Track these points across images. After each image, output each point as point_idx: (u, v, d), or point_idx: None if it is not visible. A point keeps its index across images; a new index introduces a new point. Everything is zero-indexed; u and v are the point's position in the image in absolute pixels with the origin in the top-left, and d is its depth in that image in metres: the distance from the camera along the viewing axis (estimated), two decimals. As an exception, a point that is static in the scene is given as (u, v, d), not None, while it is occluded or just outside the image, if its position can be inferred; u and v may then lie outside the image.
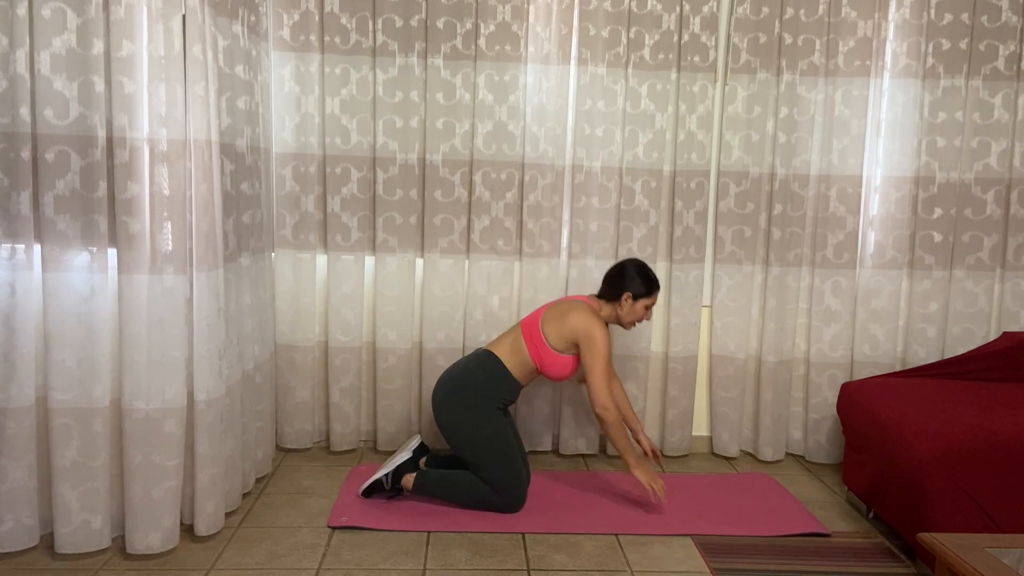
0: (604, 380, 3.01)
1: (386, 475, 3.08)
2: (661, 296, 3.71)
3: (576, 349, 3.09)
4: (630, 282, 3.11)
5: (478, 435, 3.03)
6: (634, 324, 3.19)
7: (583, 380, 3.18)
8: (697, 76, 3.57)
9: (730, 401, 3.73)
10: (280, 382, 3.60)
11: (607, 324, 3.13)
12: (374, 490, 3.10)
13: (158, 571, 2.56)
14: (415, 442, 3.24)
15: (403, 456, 3.13)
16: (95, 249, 2.52)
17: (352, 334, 3.61)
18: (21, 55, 2.40)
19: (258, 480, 3.30)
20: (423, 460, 3.25)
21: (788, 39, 3.54)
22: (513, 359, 3.12)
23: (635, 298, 3.11)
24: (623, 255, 3.61)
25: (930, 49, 3.54)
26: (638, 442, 3.35)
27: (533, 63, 3.52)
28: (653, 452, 3.30)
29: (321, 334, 3.67)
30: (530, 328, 3.13)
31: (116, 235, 2.52)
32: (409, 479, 3.09)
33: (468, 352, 3.63)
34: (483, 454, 3.03)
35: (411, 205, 3.56)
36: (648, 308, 3.15)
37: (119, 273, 2.53)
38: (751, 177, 3.63)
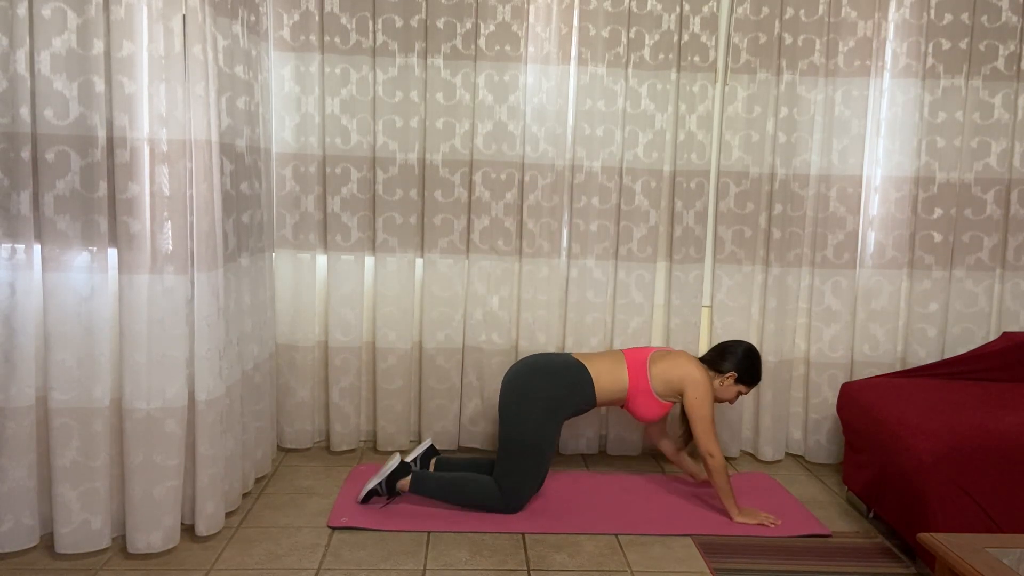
0: (711, 427, 3.04)
1: (380, 483, 3.05)
2: (661, 296, 3.71)
3: (675, 397, 3.13)
4: (743, 365, 3.16)
5: (531, 436, 3.01)
6: (716, 401, 3.22)
7: (656, 437, 3.39)
8: (697, 76, 3.57)
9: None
10: (280, 382, 3.60)
11: None
12: (371, 497, 3.09)
13: (158, 571, 2.56)
14: (425, 444, 3.23)
15: (391, 465, 3.07)
16: (95, 249, 2.52)
17: (352, 334, 3.61)
18: (21, 55, 2.40)
19: (258, 480, 3.30)
20: (433, 461, 3.25)
21: (788, 39, 3.54)
22: (607, 382, 3.12)
23: (737, 381, 3.16)
24: (623, 255, 3.61)
25: (930, 49, 3.54)
26: (684, 468, 3.40)
27: (533, 63, 3.52)
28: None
29: (321, 334, 3.67)
30: (636, 363, 3.14)
31: (116, 235, 2.52)
32: (405, 483, 3.06)
33: (468, 352, 3.64)
34: (521, 454, 3.01)
35: (411, 205, 3.56)
36: (739, 395, 3.21)
37: (119, 273, 2.53)
38: (751, 177, 3.63)
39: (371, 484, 3.05)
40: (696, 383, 3.06)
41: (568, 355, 3.19)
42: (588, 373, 3.11)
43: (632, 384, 3.12)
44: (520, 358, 3.62)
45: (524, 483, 3.03)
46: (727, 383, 3.16)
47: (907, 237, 3.64)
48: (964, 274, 3.65)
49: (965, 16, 3.51)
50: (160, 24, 2.48)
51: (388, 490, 3.06)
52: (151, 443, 2.57)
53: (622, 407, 3.23)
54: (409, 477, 3.06)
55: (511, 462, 3.02)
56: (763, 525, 2.99)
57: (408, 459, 3.17)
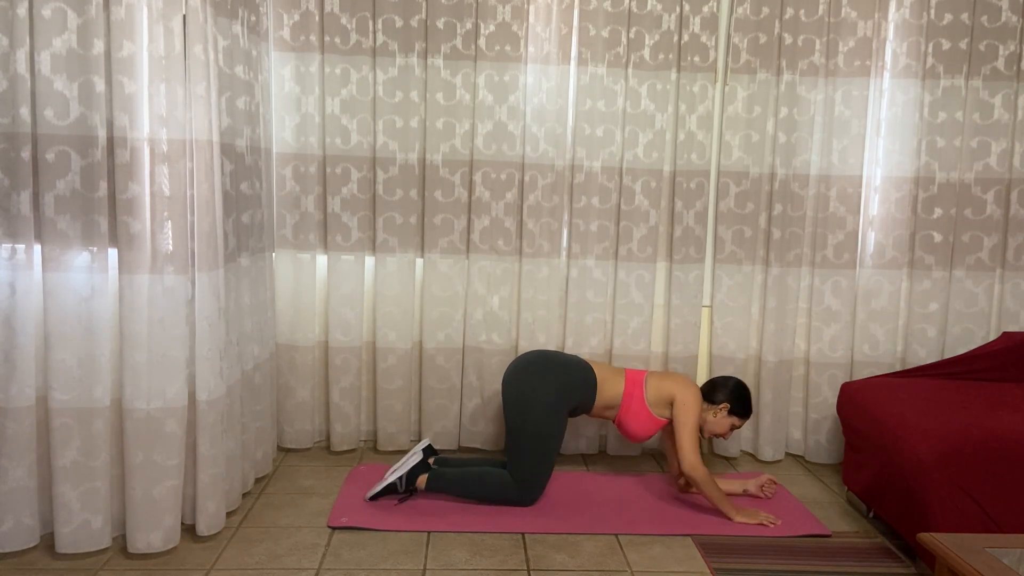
0: (694, 442, 3.06)
1: (400, 478, 3.08)
2: (661, 296, 3.71)
3: (666, 410, 3.17)
4: (734, 397, 3.18)
5: (541, 426, 3.05)
6: (711, 435, 3.23)
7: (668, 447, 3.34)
8: (697, 76, 3.57)
9: (730, 401, 3.73)
10: (280, 382, 3.60)
11: None
12: (385, 494, 3.10)
13: (158, 571, 2.56)
14: (423, 444, 3.25)
15: (414, 459, 3.13)
16: (95, 249, 2.52)
17: (352, 334, 3.61)
18: (21, 55, 2.40)
19: (258, 480, 3.30)
20: (431, 460, 3.26)
21: (788, 39, 3.54)
22: (606, 388, 3.18)
23: (730, 412, 3.18)
24: (623, 255, 3.61)
25: (930, 49, 3.54)
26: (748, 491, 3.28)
27: (533, 63, 3.52)
28: (766, 486, 3.28)
29: (321, 334, 3.67)
30: (633, 378, 3.21)
31: (117, 235, 2.52)
32: (423, 479, 3.10)
33: (468, 352, 3.64)
34: (533, 445, 3.05)
35: (411, 205, 3.56)
36: (732, 429, 3.21)
37: (120, 273, 2.53)
38: (751, 177, 3.63)
39: (391, 478, 3.08)
40: (686, 392, 3.12)
41: (576, 355, 3.27)
42: (593, 374, 3.17)
43: (627, 392, 3.18)
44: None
45: (538, 472, 3.07)
46: (720, 414, 3.18)
47: (907, 237, 3.63)
48: (964, 274, 3.65)
49: (965, 16, 3.51)
50: (160, 24, 2.48)
51: (408, 484, 3.08)
52: (151, 443, 2.57)
53: (614, 420, 3.25)
54: (427, 474, 3.10)
55: (523, 452, 3.06)
56: (763, 525, 2.99)
57: (410, 461, 3.17)
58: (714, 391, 3.21)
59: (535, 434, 3.05)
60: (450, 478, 3.11)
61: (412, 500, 3.12)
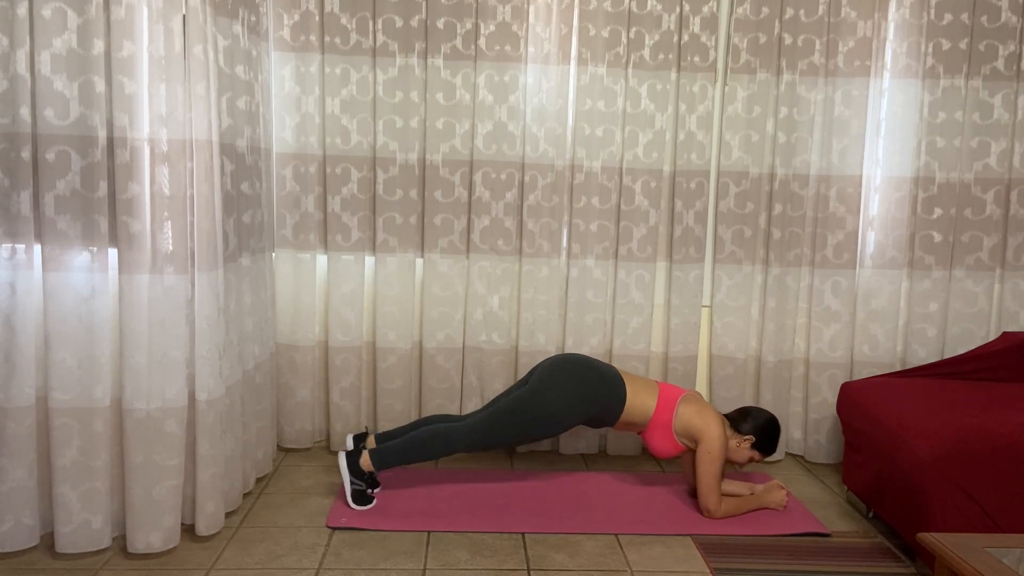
0: (715, 485, 3.05)
1: (349, 481, 3.02)
2: (661, 296, 3.71)
3: (690, 443, 3.14)
4: (761, 433, 3.14)
5: (549, 414, 3.05)
6: (730, 462, 3.21)
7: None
8: (697, 76, 3.57)
9: (730, 401, 3.73)
10: (280, 382, 3.60)
11: None
12: (362, 498, 3.06)
13: (158, 571, 2.56)
14: (349, 444, 3.23)
15: (343, 461, 3.06)
16: (96, 249, 2.52)
17: (352, 334, 3.61)
18: (22, 55, 2.40)
19: (258, 480, 3.30)
20: (370, 439, 3.23)
21: (788, 39, 3.54)
22: (635, 406, 3.15)
23: (753, 446, 3.15)
24: (623, 255, 3.61)
25: (930, 49, 3.54)
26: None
27: (533, 63, 3.52)
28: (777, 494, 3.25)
29: (321, 334, 3.67)
30: (667, 397, 3.16)
31: (117, 235, 2.52)
32: (367, 463, 3.04)
33: (468, 352, 3.64)
34: (527, 418, 3.05)
35: (411, 205, 3.56)
36: (751, 461, 3.19)
37: (120, 273, 2.53)
38: (751, 177, 3.63)
39: (348, 489, 3.03)
40: (712, 439, 3.05)
41: (613, 367, 3.23)
42: (624, 389, 3.14)
43: (656, 415, 3.14)
44: (523, 354, 3.63)
45: (499, 437, 3.06)
46: (743, 445, 3.14)
47: (907, 237, 3.64)
48: (964, 274, 3.65)
49: (965, 16, 3.51)
50: (160, 24, 2.48)
51: (362, 479, 3.04)
52: (151, 443, 2.57)
53: (639, 433, 3.23)
54: (366, 455, 3.05)
55: (513, 415, 3.04)
56: (771, 508, 3.11)
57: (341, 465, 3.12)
58: (744, 419, 3.16)
59: (537, 413, 3.04)
60: (395, 449, 3.05)
61: (405, 498, 3.10)
